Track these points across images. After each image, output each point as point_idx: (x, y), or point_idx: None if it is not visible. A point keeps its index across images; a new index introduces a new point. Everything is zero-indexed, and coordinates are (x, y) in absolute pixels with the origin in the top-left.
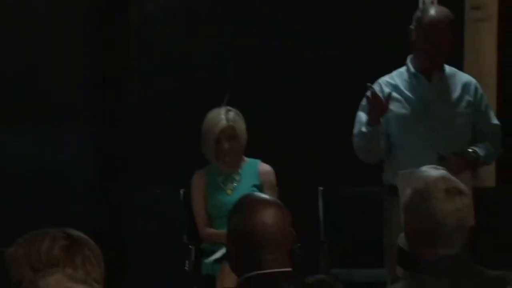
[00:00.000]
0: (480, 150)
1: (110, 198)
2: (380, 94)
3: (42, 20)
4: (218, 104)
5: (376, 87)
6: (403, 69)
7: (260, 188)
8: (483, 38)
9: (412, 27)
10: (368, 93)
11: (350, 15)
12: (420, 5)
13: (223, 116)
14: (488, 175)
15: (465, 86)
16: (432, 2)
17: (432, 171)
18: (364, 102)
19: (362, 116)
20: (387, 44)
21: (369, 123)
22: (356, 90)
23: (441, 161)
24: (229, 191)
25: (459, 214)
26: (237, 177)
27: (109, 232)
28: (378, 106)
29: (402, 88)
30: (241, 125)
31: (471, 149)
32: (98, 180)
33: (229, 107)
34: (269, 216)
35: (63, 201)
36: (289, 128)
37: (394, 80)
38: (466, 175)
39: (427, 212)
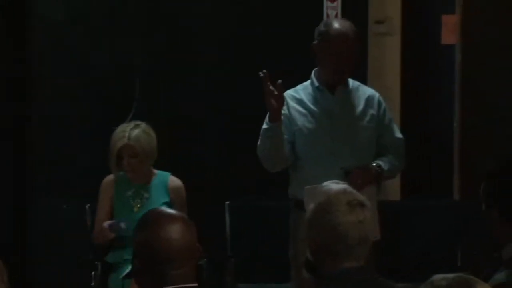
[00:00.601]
0: (384, 164)
1: (15, 214)
2: (285, 106)
3: None
4: (125, 116)
5: None
6: (307, 83)
7: (170, 205)
8: (387, 52)
9: (315, 41)
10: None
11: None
12: (324, 18)
13: (126, 133)
14: (393, 188)
15: (369, 100)
16: (335, 16)
17: (334, 185)
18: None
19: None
20: (292, 58)
21: (270, 119)
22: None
23: (345, 175)
24: (136, 208)
25: (361, 226)
26: (146, 194)
27: (13, 247)
28: (272, 93)
29: (307, 101)
30: (144, 142)
31: (375, 163)
32: (2, 195)
33: (138, 122)
34: (175, 231)
35: None
36: (195, 141)
37: (299, 94)
38: (371, 188)
39: (329, 225)
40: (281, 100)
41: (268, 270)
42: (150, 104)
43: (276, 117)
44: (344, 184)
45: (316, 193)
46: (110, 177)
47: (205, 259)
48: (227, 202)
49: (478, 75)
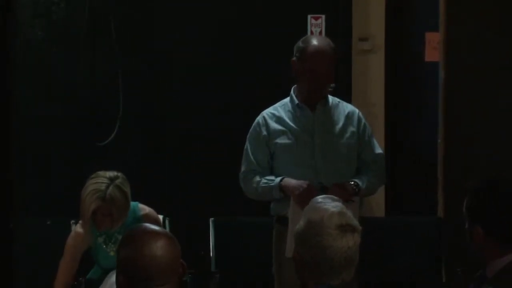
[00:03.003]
0: (361, 183)
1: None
2: (263, 128)
3: None
4: (108, 133)
5: (260, 119)
6: (287, 100)
7: None
8: (371, 69)
9: (294, 58)
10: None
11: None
12: (309, 34)
13: (101, 193)
14: (377, 204)
15: (349, 116)
16: (319, 33)
17: (330, 204)
18: (251, 134)
19: (253, 156)
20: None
21: (282, 191)
22: (245, 122)
23: (322, 191)
24: (112, 253)
25: (348, 252)
26: (119, 236)
27: None
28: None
29: (286, 119)
30: (119, 202)
31: (353, 181)
32: None
33: (113, 175)
34: (158, 248)
35: None
36: (180, 157)
37: (278, 112)
38: (354, 204)
39: (318, 247)
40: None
41: (252, 286)
42: (133, 121)
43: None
44: (340, 203)
45: (309, 207)
46: (76, 232)
47: (190, 275)
48: (212, 218)
49: (461, 92)
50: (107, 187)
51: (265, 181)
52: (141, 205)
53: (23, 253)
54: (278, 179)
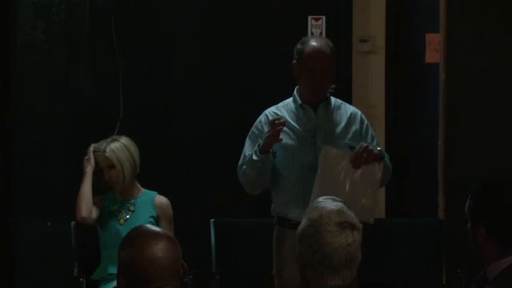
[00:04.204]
0: (383, 153)
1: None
2: (265, 126)
3: None
4: (108, 135)
5: (262, 118)
6: (289, 100)
7: (157, 220)
8: (371, 70)
9: (294, 61)
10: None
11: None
12: (309, 35)
13: (102, 147)
14: (378, 207)
15: (351, 117)
16: (320, 34)
17: (330, 203)
18: (252, 132)
19: (249, 145)
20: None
21: (260, 151)
22: (245, 123)
23: (350, 149)
24: (122, 221)
25: (348, 248)
26: (131, 208)
27: None
28: (276, 131)
29: (289, 119)
30: (120, 153)
31: (378, 147)
32: None
33: (116, 137)
34: (159, 249)
35: None
36: (180, 158)
37: (281, 111)
38: (373, 165)
39: (317, 244)
40: (278, 137)
41: (252, 287)
42: (134, 121)
43: (268, 150)
44: (340, 202)
45: (309, 208)
46: (98, 197)
47: (190, 276)
48: (212, 219)
49: (462, 93)
50: (109, 142)
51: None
52: (159, 195)
53: (24, 253)
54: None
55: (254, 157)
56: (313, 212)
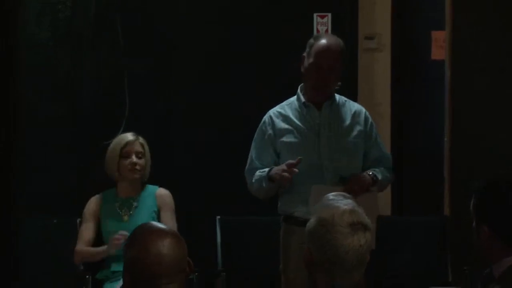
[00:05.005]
0: (377, 173)
1: (4, 228)
2: (269, 127)
3: None
4: (114, 132)
5: (266, 118)
6: (293, 99)
7: (158, 212)
8: (377, 67)
9: (304, 53)
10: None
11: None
12: (315, 34)
13: (133, 136)
14: (384, 204)
15: (355, 115)
16: (326, 31)
17: (341, 202)
18: (257, 134)
19: (255, 148)
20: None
21: (270, 179)
22: (250, 121)
23: (342, 183)
24: (125, 217)
25: (360, 250)
26: (134, 203)
27: (2, 262)
28: (290, 178)
29: (293, 117)
30: (147, 147)
31: (370, 171)
32: None
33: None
34: (165, 246)
35: None
36: (186, 155)
37: (285, 110)
38: (372, 194)
39: (329, 245)
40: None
41: (258, 285)
42: (139, 120)
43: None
44: (352, 201)
45: (320, 204)
46: (96, 196)
47: (196, 274)
48: (218, 217)
49: (467, 90)
50: (134, 134)
51: (258, 173)
52: (161, 188)
53: (28, 252)
54: (268, 169)
55: (264, 184)
56: (324, 211)
